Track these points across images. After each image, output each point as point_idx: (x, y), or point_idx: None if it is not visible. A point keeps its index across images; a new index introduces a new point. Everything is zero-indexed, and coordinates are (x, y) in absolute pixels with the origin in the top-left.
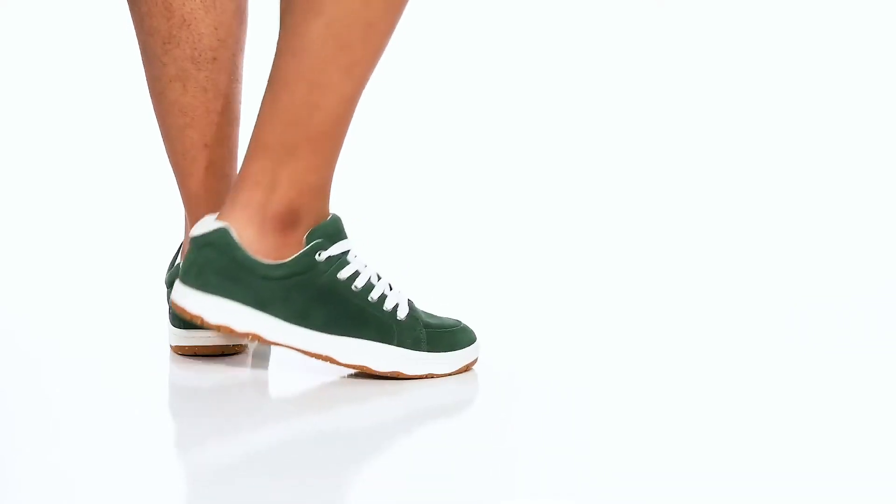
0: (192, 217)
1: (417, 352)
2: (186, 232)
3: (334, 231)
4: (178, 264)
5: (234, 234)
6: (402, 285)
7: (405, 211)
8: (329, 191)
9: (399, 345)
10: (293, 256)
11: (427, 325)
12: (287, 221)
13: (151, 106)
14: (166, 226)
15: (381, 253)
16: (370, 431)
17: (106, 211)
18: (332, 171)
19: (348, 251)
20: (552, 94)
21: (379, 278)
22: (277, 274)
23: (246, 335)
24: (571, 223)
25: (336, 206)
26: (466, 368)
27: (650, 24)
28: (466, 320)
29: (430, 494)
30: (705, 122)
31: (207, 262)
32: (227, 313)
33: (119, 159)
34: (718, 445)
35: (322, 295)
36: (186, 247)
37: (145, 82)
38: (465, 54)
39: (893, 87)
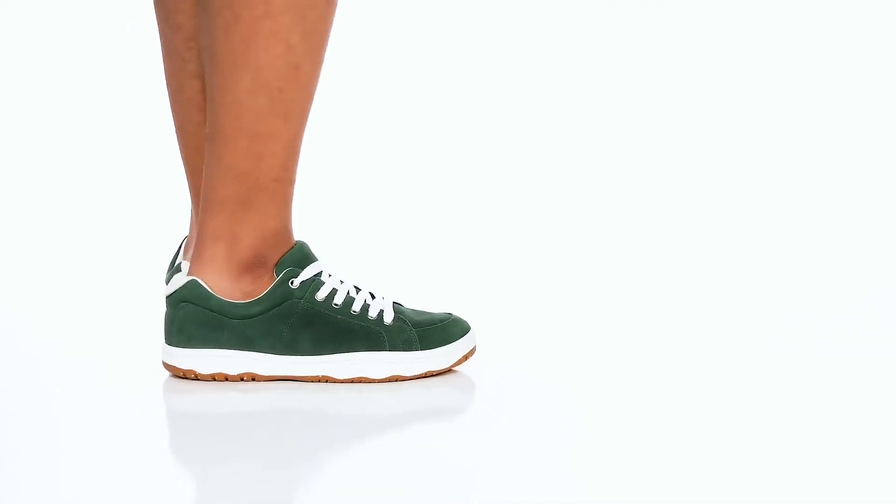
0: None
1: (411, 352)
2: (192, 227)
3: (302, 257)
4: (179, 263)
5: (205, 284)
6: (384, 291)
7: (403, 210)
8: (291, 225)
9: (392, 349)
10: (267, 290)
11: (416, 325)
12: (255, 265)
13: (165, 101)
14: (167, 224)
15: (381, 253)
16: (366, 430)
17: (106, 210)
18: (290, 209)
19: (321, 272)
20: (543, 88)
21: (358, 290)
22: (256, 310)
23: (240, 377)
24: (565, 219)
25: (329, 204)
26: (464, 359)
27: (650, 23)
28: (462, 315)
29: (425, 496)
30: (702, 123)
31: (186, 317)
32: (217, 361)
33: (120, 159)
34: (715, 446)
35: (304, 320)
36: (192, 240)
37: (150, 78)
38: (451, 51)
39: (893, 88)
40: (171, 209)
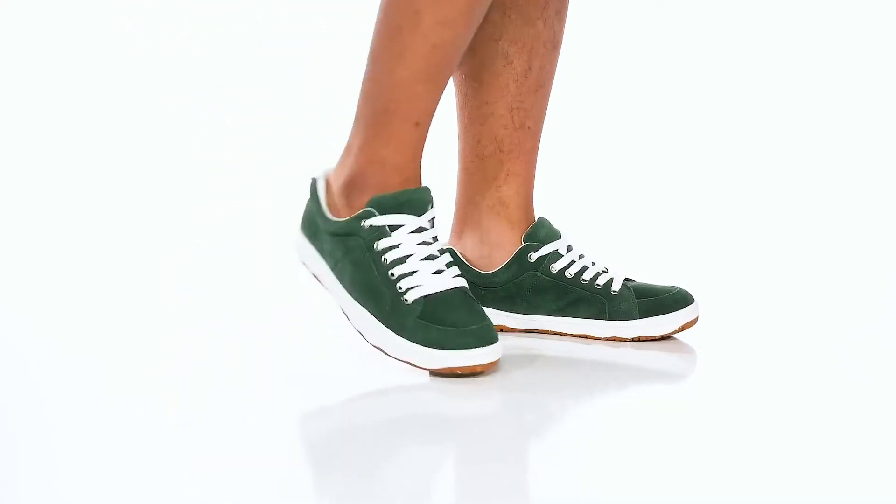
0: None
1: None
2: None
3: (391, 204)
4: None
5: (322, 186)
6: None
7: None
8: (410, 169)
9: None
10: (345, 218)
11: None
12: (352, 186)
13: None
14: (170, 225)
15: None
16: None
17: (107, 212)
18: (411, 151)
19: (400, 226)
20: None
21: (424, 258)
22: (330, 229)
23: (313, 276)
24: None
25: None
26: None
27: (650, 21)
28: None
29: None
30: (704, 122)
31: (308, 211)
32: (310, 257)
33: (122, 162)
34: (726, 452)
35: (354, 260)
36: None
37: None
38: None
39: (893, 88)
40: (172, 210)
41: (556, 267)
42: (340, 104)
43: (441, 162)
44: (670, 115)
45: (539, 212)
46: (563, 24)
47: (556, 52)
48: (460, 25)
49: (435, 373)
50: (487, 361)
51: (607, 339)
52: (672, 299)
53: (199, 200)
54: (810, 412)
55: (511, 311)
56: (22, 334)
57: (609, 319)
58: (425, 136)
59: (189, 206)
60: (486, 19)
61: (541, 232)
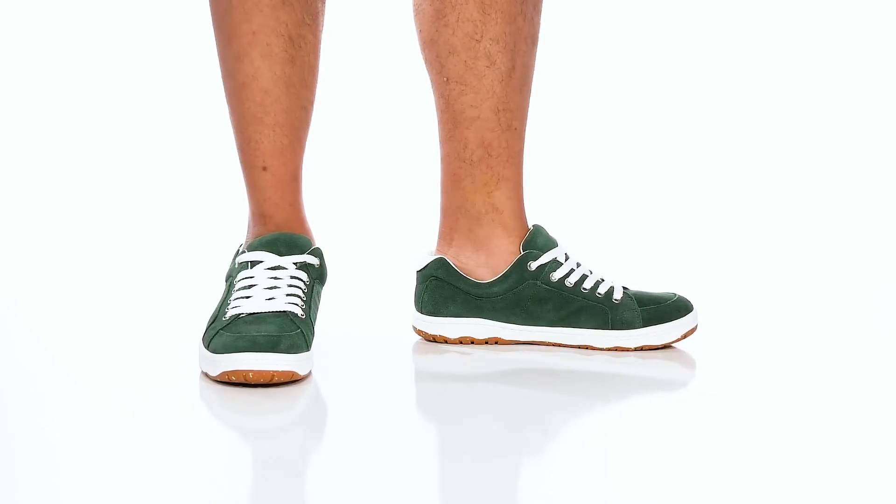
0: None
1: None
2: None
3: (543, 241)
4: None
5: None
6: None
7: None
8: (279, 217)
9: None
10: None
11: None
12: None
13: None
14: (170, 225)
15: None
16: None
17: (111, 212)
18: (273, 198)
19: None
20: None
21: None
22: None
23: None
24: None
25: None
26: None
27: (651, 21)
28: None
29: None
30: (697, 125)
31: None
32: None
33: (127, 162)
34: (732, 455)
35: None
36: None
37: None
38: None
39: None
40: (172, 210)
41: (557, 276)
42: (340, 104)
43: (422, 166)
44: (662, 117)
45: (529, 219)
46: (540, 18)
47: (535, 47)
48: (256, 57)
49: (218, 380)
50: (257, 368)
51: (609, 350)
52: (674, 307)
53: (199, 200)
54: (817, 424)
55: (508, 322)
56: (22, 334)
57: (612, 329)
58: (288, 181)
59: (189, 205)
60: (465, 19)
61: (539, 239)
